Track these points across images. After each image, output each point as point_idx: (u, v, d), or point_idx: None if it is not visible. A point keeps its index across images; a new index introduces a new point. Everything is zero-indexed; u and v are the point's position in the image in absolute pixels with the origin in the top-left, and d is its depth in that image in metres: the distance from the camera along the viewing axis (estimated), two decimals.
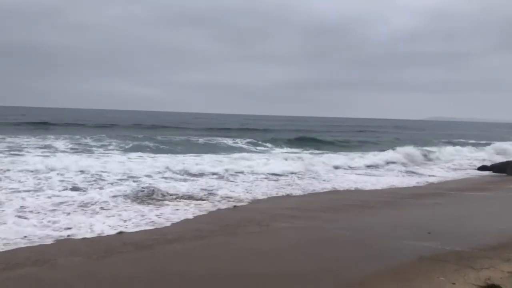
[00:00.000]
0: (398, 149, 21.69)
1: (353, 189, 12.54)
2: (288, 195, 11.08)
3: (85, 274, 5.20)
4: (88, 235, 6.83)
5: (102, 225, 7.44)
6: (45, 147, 19.52)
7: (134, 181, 11.67)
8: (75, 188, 10.42)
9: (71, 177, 11.67)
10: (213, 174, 13.68)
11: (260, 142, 28.66)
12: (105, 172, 12.75)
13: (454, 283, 4.97)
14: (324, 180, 13.79)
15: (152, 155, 18.22)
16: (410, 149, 21.63)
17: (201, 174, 13.53)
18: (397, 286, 4.95)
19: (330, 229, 7.75)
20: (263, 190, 11.48)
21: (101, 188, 10.57)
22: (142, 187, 10.63)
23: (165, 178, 12.64)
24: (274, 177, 13.73)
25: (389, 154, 20.60)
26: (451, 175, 16.77)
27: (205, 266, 5.54)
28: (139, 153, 18.75)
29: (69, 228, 7.15)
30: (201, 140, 28.49)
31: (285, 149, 25.93)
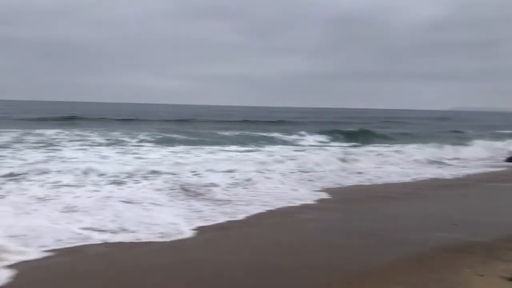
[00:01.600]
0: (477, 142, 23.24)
1: None
2: None
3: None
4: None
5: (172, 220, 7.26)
6: (80, 140, 19.82)
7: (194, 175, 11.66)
8: (121, 183, 10.23)
9: (114, 172, 11.30)
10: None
11: (327, 138, 26.59)
12: (149, 166, 12.43)
13: (482, 275, 4.89)
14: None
15: (207, 147, 18.67)
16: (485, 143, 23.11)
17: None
18: (423, 277, 4.90)
19: (355, 219, 7.80)
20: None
21: (150, 183, 10.29)
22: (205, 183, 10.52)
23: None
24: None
25: (472, 148, 21.63)
26: (479, 166, 16.42)
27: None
28: (183, 147, 18.83)
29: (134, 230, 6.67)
30: (255, 134, 26.92)
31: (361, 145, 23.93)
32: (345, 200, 9.56)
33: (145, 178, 10.87)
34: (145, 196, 9.01)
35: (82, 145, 18.22)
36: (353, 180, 12.23)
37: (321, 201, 9.31)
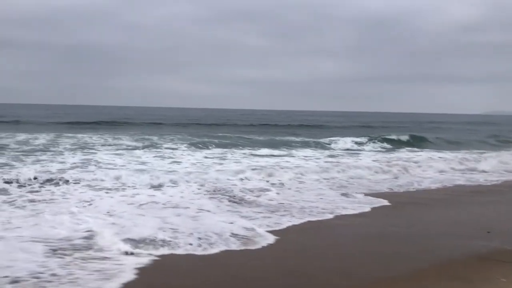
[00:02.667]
0: None
1: None
2: None
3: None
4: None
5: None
6: (113, 144, 19.81)
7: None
8: (172, 186, 10.48)
9: (157, 177, 11.38)
10: None
11: (385, 144, 25.34)
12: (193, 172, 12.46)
13: None
14: None
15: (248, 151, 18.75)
16: None
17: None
18: (455, 286, 4.81)
19: (385, 225, 7.66)
20: None
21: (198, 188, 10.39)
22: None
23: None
24: None
25: None
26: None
27: None
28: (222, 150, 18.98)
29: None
30: (291, 138, 26.48)
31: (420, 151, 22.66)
32: (383, 206, 9.35)
33: (189, 182, 11.02)
34: (200, 202, 9.00)
35: (117, 149, 18.34)
36: (393, 185, 12.12)
37: (360, 207, 9.12)
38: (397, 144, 25.82)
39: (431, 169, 15.34)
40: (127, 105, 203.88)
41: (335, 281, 5.05)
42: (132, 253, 5.71)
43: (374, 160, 16.74)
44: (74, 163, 13.55)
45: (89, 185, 10.33)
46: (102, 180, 10.84)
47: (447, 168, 15.88)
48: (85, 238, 6.27)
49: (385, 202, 9.57)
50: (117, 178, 11.14)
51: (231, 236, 6.63)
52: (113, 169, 12.78)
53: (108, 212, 7.88)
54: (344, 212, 8.50)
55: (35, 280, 4.78)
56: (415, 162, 16.42)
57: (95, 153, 16.33)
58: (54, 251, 5.68)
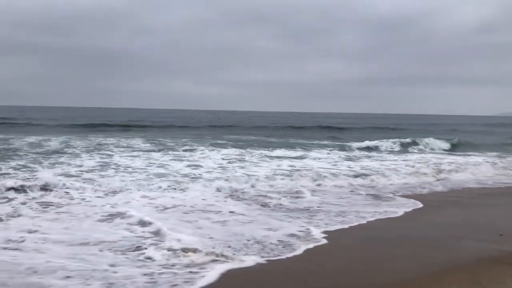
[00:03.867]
0: None
1: None
2: None
3: None
4: None
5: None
6: (128, 147, 19.64)
7: None
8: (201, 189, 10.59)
9: (178, 179, 11.59)
10: None
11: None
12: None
13: None
14: None
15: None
16: None
17: None
18: None
19: (398, 228, 7.66)
20: None
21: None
22: None
23: None
24: None
25: None
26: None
27: None
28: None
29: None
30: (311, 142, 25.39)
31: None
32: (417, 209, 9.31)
33: (212, 186, 11.06)
34: (233, 207, 8.96)
35: (132, 151, 18.27)
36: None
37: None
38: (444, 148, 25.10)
39: None
40: (137, 107, 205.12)
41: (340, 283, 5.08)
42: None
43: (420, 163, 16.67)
44: (93, 166, 13.53)
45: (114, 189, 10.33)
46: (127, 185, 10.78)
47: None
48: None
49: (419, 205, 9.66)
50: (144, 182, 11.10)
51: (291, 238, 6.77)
52: (133, 172, 12.72)
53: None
54: (369, 215, 8.53)
55: None
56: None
57: (112, 155, 16.27)
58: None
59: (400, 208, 9.19)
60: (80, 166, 13.31)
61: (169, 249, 5.89)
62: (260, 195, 10.31)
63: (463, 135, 38.34)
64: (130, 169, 13.15)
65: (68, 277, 4.97)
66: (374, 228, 7.63)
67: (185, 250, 5.85)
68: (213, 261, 5.54)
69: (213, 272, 5.19)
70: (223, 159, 16.33)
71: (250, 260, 5.65)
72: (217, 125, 44.53)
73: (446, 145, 25.43)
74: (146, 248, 5.97)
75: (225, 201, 9.61)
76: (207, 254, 5.73)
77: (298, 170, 14.06)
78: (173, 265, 5.43)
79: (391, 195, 10.84)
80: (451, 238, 6.99)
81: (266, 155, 17.90)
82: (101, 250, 5.95)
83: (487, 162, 17.54)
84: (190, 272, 5.20)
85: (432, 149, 24.54)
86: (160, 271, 5.19)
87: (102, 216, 7.87)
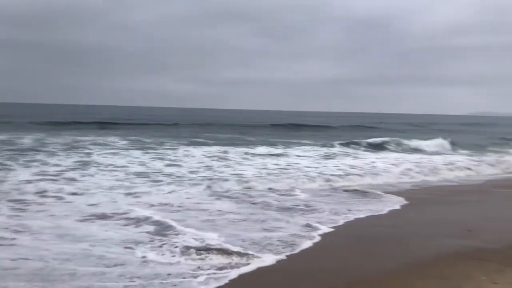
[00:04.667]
0: None
1: None
2: None
3: None
4: None
5: None
6: (106, 144, 19.25)
7: None
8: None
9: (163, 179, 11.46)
10: None
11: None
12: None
13: (496, 283, 4.85)
14: None
15: None
16: None
17: None
18: (436, 284, 4.90)
19: (371, 226, 7.76)
20: None
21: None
22: None
23: None
24: None
25: None
26: (495, 172, 15.93)
27: None
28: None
29: None
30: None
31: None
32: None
33: (201, 185, 10.92)
34: (224, 205, 8.97)
35: (111, 149, 17.87)
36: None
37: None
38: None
39: None
40: (113, 104, 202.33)
41: (311, 281, 5.19)
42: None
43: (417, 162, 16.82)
44: (72, 165, 13.18)
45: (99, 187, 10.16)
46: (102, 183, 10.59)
47: None
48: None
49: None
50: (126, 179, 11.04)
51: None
52: (113, 170, 12.50)
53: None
54: (360, 213, 8.69)
55: None
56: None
57: (91, 154, 15.88)
58: None
59: (383, 205, 9.34)
60: (58, 165, 12.96)
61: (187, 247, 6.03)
62: (249, 194, 10.20)
63: (441, 134, 38.90)
64: (111, 167, 12.92)
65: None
66: (359, 226, 7.73)
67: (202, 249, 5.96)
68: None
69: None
70: (205, 157, 16.18)
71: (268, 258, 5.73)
72: (195, 123, 44.11)
73: (424, 144, 25.63)
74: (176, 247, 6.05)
75: (215, 200, 9.49)
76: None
77: (284, 168, 14.09)
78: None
79: (378, 192, 11.03)
80: (423, 235, 7.14)
81: (248, 153, 17.81)
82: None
83: (462, 161, 17.97)
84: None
85: (412, 148, 24.71)
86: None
87: (91, 215, 7.72)
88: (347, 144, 23.46)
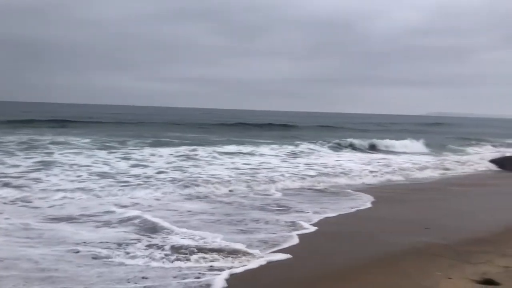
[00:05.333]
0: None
1: None
2: None
3: None
4: None
5: None
6: (66, 143, 18.62)
7: None
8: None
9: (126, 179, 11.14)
10: None
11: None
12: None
13: (451, 278, 5.01)
14: None
15: None
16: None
17: None
18: (394, 280, 5.03)
19: (339, 224, 7.87)
20: None
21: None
22: None
23: None
24: None
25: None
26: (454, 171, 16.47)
27: None
28: None
29: None
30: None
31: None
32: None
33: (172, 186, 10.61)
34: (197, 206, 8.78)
35: (73, 148, 17.25)
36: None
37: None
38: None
39: None
40: (75, 102, 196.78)
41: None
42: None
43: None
44: (32, 165, 12.62)
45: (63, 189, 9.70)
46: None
47: None
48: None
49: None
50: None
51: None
52: (77, 170, 12.12)
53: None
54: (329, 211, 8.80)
55: None
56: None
57: (52, 153, 15.27)
58: None
59: (353, 204, 9.51)
60: (17, 166, 12.40)
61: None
62: (221, 194, 10.09)
63: (406, 134, 39.86)
64: (75, 167, 12.55)
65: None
66: (329, 224, 7.81)
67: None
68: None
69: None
70: (173, 156, 15.91)
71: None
72: (158, 122, 43.37)
73: (392, 144, 26.01)
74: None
75: (186, 200, 9.29)
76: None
77: (256, 168, 14.08)
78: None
79: (348, 190, 11.26)
80: (386, 232, 7.31)
81: (217, 152, 17.65)
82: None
83: (427, 160, 18.51)
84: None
85: (379, 148, 24.96)
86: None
87: (57, 217, 7.50)
88: (314, 144, 23.64)
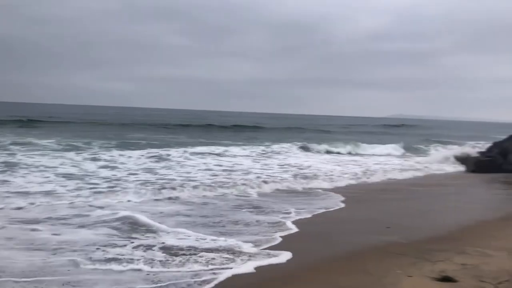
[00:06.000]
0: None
1: None
2: None
3: None
4: None
5: None
6: (28, 144, 18.04)
7: None
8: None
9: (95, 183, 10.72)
10: None
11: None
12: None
13: (411, 276, 5.12)
14: None
15: None
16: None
17: None
18: (356, 278, 5.11)
19: (310, 223, 7.97)
20: None
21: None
22: None
23: None
24: None
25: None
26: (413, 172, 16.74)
27: None
28: None
29: None
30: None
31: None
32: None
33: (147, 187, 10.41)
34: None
35: (35, 149, 16.67)
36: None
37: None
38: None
39: None
40: (37, 102, 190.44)
41: None
42: None
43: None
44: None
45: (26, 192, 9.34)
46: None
47: None
48: None
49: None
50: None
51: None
52: (44, 171, 11.77)
53: None
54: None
55: None
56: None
57: (14, 154, 14.74)
58: None
59: (324, 204, 9.68)
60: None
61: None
62: (196, 196, 9.98)
63: (374, 136, 40.66)
64: (42, 168, 12.17)
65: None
66: (300, 224, 7.85)
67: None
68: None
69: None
70: (145, 157, 15.69)
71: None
72: (126, 123, 42.63)
73: (364, 147, 26.25)
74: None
75: (158, 203, 9.13)
76: None
77: (229, 169, 14.10)
78: None
79: (320, 190, 11.45)
80: (347, 231, 7.46)
81: (188, 152, 17.55)
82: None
83: (388, 161, 19.04)
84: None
85: (347, 150, 25.18)
86: None
87: (23, 220, 7.23)
88: (285, 145, 23.87)
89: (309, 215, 8.53)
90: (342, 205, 9.72)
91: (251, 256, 5.76)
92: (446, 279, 4.97)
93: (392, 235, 7.05)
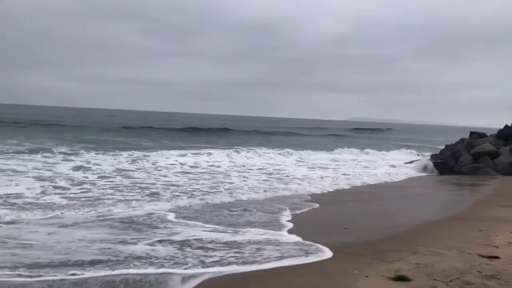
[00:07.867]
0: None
1: None
2: None
3: None
4: None
5: None
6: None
7: None
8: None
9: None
10: None
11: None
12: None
13: (367, 276, 5.23)
14: None
15: None
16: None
17: None
18: (316, 279, 5.17)
19: None
20: None
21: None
22: None
23: None
24: None
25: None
26: (374, 175, 17.11)
27: None
28: None
29: None
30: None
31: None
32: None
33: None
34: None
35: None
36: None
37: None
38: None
39: None
40: None
41: None
42: None
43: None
44: None
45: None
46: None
47: None
48: None
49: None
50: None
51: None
52: (13, 175, 11.65)
53: None
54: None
55: None
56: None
57: None
58: None
59: (295, 208, 9.80)
60: None
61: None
62: (179, 198, 10.06)
63: (342, 139, 41.40)
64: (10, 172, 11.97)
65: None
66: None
67: None
68: None
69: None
70: (117, 162, 15.52)
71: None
72: (89, 125, 41.91)
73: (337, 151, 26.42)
74: None
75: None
76: None
77: (207, 172, 14.47)
78: None
79: (289, 194, 11.72)
80: (310, 233, 7.41)
81: (164, 156, 17.61)
82: None
83: (354, 164, 19.91)
84: None
85: (321, 156, 24.83)
86: None
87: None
88: (257, 149, 24.38)
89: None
90: (313, 208, 9.91)
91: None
92: (401, 278, 5.12)
93: (349, 236, 7.18)
